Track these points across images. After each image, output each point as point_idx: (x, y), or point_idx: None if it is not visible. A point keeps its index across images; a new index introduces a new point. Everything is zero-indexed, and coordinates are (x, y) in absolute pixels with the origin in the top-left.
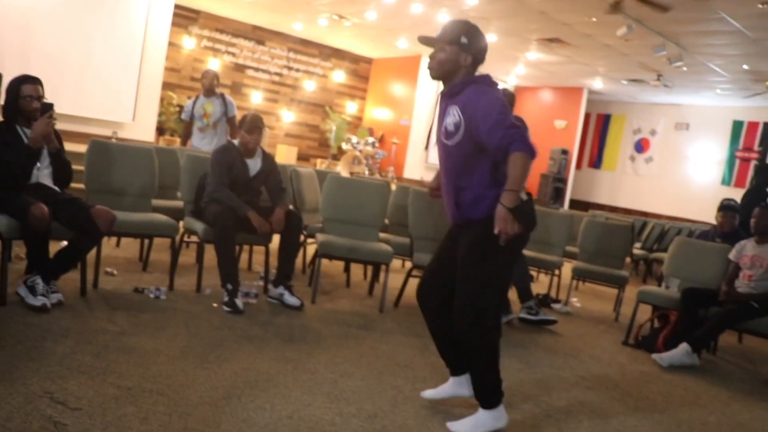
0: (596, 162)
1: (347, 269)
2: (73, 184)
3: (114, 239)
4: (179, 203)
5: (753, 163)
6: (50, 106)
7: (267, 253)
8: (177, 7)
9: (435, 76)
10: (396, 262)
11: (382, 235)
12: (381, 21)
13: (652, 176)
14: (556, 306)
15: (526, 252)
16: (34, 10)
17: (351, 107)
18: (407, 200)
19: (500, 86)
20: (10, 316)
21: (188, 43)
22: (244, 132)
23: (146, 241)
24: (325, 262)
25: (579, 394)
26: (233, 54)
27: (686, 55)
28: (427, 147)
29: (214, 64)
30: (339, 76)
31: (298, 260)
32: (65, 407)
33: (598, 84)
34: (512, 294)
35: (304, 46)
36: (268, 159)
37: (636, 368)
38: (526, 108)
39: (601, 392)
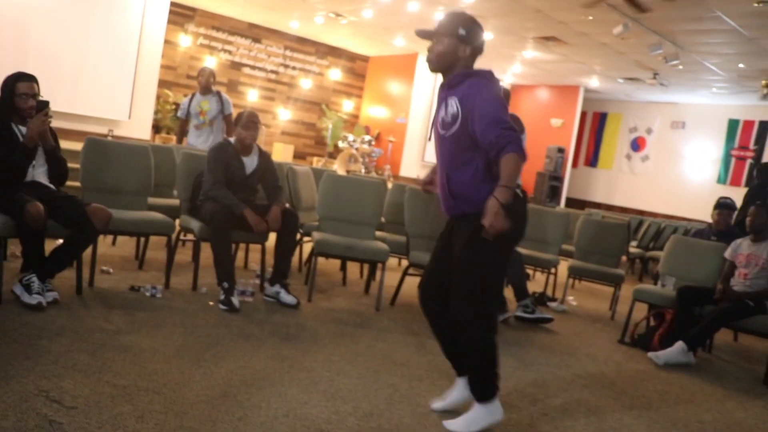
0: (592, 160)
1: (344, 267)
2: (69, 182)
3: (110, 237)
4: (175, 201)
5: (749, 162)
6: (46, 104)
7: (263, 252)
8: (173, 4)
9: (434, 68)
10: (392, 261)
11: (378, 233)
12: (377, 19)
13: (648, 175)
14: (552, 304)
15: (522, 250)
16: (31, 8)
17: (347, 105)
18: (403, 198)
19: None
20: (6, 314)
21: (184, 40)
22: (241, 128)
23: (142, 240)
24: (321, 260)
25: (575, 393)
26: (229, 52)
27: (682, 53)
28: (430, 138)
29: (211, 61)
30: (335, 74)
31: (295, 258)
32: (61, 406)
33: (594, 82)
34: (508, 292)
35: (301, 44)
36: (264, 157)
37: (632, 366)
38: (523, 106)
39: (597, 390)
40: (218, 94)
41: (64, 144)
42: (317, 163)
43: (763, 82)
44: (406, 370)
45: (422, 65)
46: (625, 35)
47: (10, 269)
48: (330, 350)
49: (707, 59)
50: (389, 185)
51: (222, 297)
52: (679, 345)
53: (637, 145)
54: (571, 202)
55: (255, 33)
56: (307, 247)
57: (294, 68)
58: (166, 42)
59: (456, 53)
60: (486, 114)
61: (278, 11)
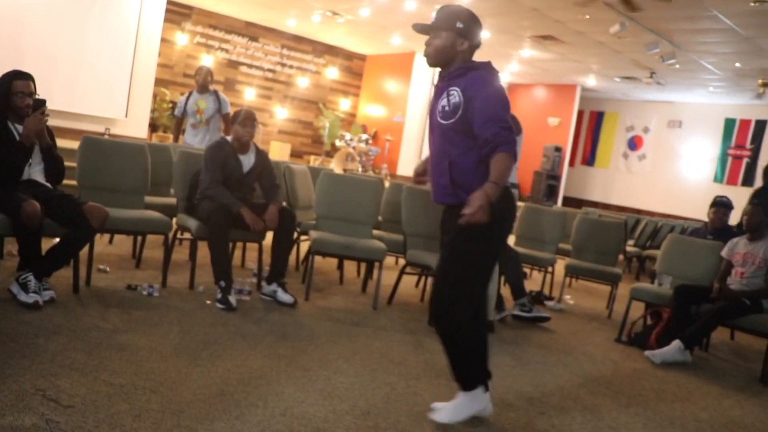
0: (589, 159)
1: (341, 266)
2: (66, 181)
3: (107, 236)
4: (172, 200)
5: (745, 161)
6: (42, 103)
7: (260, 250)
8: (170, 2)
9: (432, 63)
10: (389, 259)
11: (375, 232)
12: (374, 18)
13: (645, 173)
14: (549, 303)
15: (519, 249)
16: (27, 6)
17: (344, 104)
18: (400, 197)
19: None
20: (2, 313)
21: (181, 39)
22: (238, 125)
23: (139, 238)
24: (318, 259)
25: (572, 391)
26: (226, 50)
27: (679, 52)
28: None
29: (208, 60)
30: (332, 73)
31: (292, 257)
32: (58, 405)
33: (591, 81)
34: (505, 291)
35: (298, 42)
36: (261, 155)
37: (629, 365)
38: (520, 105)
39: (594, 389)
40: (215, 93)
41: (61, 142)
42: (314, 161)
43: (760, 81)
44: (404, 369)
45: (419, 64)
46: (621, 34)
47: (7, 268)
48: (327, 349)
49: (704, 58)
50: (386, 184)
51: (219, 296)
52: (676, 343)
53: (634, 144)
54: (568, 201)
55: (252, 31)
56: (304, 246)
57: (291, 67)
58: (163, 40)
59: (454, 47)
60: (486, 109)
61: (275, 10)
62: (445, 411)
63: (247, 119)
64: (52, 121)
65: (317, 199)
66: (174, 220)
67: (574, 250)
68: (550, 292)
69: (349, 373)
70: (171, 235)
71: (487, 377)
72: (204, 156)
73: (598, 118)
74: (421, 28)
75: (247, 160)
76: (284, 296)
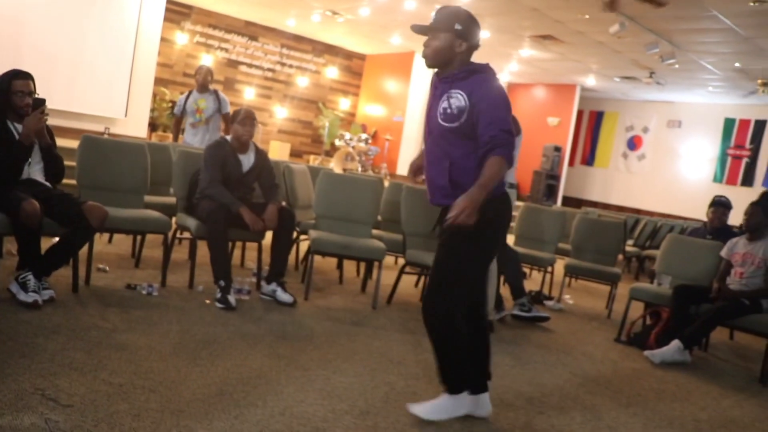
0: (589, 159)
1: (340, 266)
2: (65, 180)
3: (106, 235)
4: (172, 199)
5: (744, 161)
6: (42, 102)
7: (260, 250)
8: (169, 2)
9: (430, 64)
10: (389, 259)
11: (375, 231)
12: (374, 17)
13: (644, 173)
14: (549, 303)
15: (518, 249)
16: (27, 5)
17: (344, 103)
18: (400, 197)
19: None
20: (1, 312)
21: (181, 38)
22: (238, 124)
23: (138, 238)
24: (318, 258)
25: (571, 391)
26: (226, 50)
27: (678, 52)
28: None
29: (207, 59)
30: (332, 73)
31: (291, 257)
32: (57, 404)
33: (590, 81)
34: (505, 291)
35: (297, 42)
36: (260, 155)
37: (628, 365)
38: (519, 105)
39: (594, 389)
40: (215, 92)
41: (60, 142)
42: (314, 161)
43: (759, 81)
44: (403, 369)
45: (419, 64)
46: (621, 34)
47: (6, 267)
48: (326, 348)
49: (703, 58)
50: (386, 183)
51: (218, 295)
52: (675, 343)
53: (633, 143)
54: (568, 201)
55: (252, 31)
56: (304, 246)
57: (291, 66)
58: (163, 40)
59: (452, 48)
60: (490, 112)
61: (275, 9)
62: (424, 406)
63: (247, 118)
64: (51, 121)
65: (317, 198)
66: (173, 219)
67: (574, 249)
68: (549, 292)
69: (348, 373)
70: (170, 234)
71: (487, 378)
72: (203, 155)
73: (597, 118)
74: (419, 29)
75: (247, 160)
76: (284, 296)
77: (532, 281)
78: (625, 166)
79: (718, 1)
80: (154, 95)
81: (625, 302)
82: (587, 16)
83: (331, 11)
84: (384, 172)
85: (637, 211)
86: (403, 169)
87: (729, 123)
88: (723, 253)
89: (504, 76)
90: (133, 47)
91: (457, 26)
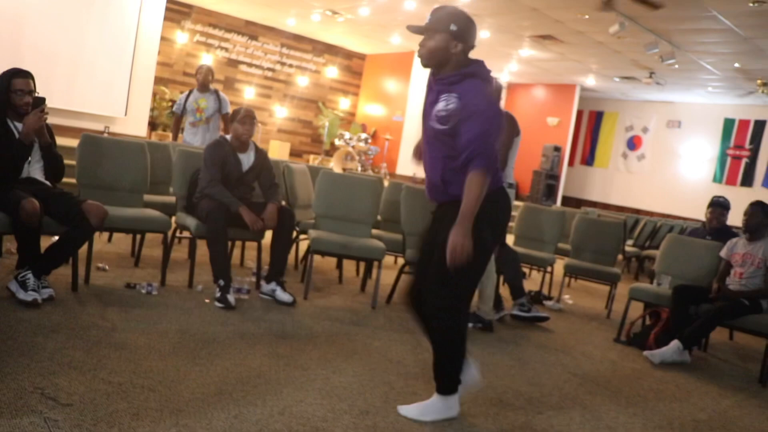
0: (588, 159)
1: (340, 265)
2: (65, 179)
3: (106, 234)
4: (171, 198)
5: (744, 161)
6: (42, 101)
7: (259, 249)
8: (170, 1)
9: (426, 64)
10: (388, 259)
11: (374, 231)
12: (374, 17)
13: (644, 173)
14: (548, 303)
15: (518, 249)
16: (27, 4)
17: (344, 103)
18: (400, 196)
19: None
20: (1, 311)
21: (181, 37)
22: (237, 123)
23: (138, 237)
24: (317, 258)
25: (571, 391)
26: (226, 49)
27: (678, 52)
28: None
29: (207, 59)
30: (332, 72)
31: (291, 256)
32: (56, 403)
33: (590, 81)
34: (504, 291)
35: (297, 41)
36: (260, 154)
37: (627, 365)
38: (519, 105)
39: (593, 389)
40: (216, 92)
41: (60, 141)
42: (314, 161)
43: (759, 81)
44: (402, 368)
45: (419, 63)
46: (621, 34)
47: (6, 266)
48: (326, 348)
49: (703, 58)
50: (386, 183)
51: (218, 294)
52: (675, 344)
53: (633, 143)
54: (568, 201)
55: (252, 30)
56: (304, 245)
57: (290, 66)
58: (163, 39)
59: (448, 49)
60: (471, 122)
61: (275, 9)
62: (414, 407)
63: (247, 118)
64: (51, 119)
65: (316, 198)
66: (173, 218)
67: (573, 249)
68: (549, 292)
69: (347, 373)
70: (170, 233)
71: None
72: (203, 155)
73: (597, 118)
74: (415, 30)
75: (247, 159)
76: (283, 295)
77: (532, 281)
78: (624, 166)
79: (717, 2)
80: (154, 94)
81: (624, 302)
82: (587, 16)
83: (331, 11)
84: (384, 171)
85: (637, 211)
86: (403, 168)
87: (728, 123)
88: (722, 253)
89: (504, 76)
90: (133, 46)
91: (453, 27)
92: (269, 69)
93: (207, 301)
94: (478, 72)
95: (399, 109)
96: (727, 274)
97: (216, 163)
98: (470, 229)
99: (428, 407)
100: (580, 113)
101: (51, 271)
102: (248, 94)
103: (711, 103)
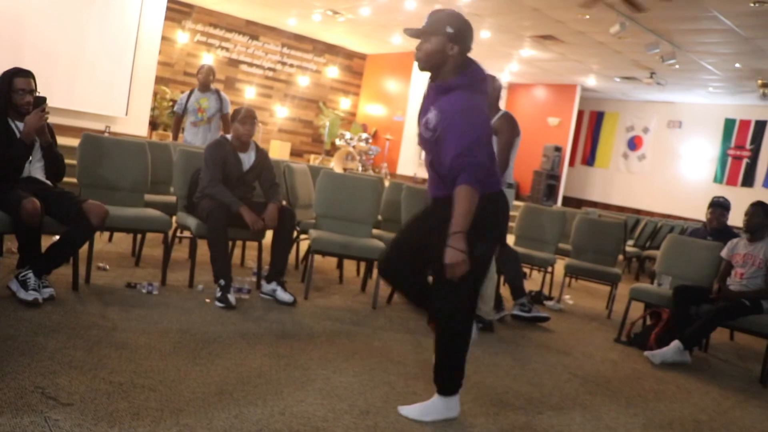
0: (589, 159)
1: (340, 265)
2: (66, 179)
3: (106, 234)
4: (172, 198)
5: (745, 161)
6: (43, 100)
7: (260, 249)
8: (170, 1)
9: (423, 67)
10: None
11: (375, 231)
12: (375, 17)
13: (644, 174)
14: (549, 303)
15: (519, 249)
16: (28, 4)
17: (345, 103)
18: (400, 196)
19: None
20: (1, 310)
21: (182, 37)
22: (238, 123)
23: (139, 236)
24: (318, 258)
25: (571, 391)
26: (227, 49)
27: (679, 53)
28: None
29: (208, 58)
30: (333, 72)
31: (291, 256)
32: (57, 402)
33: (591, 81)
34: (505, 291)
35: (298, 41)
36: (261, 154)
37: (628, 365)
38: (520, 105)
39: (594, 389)
40: (217, 92)
41: (61, 140)
42: (314, 160)
43: (759, 81)
44: (403, 368)
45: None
46: (622, 34)
47: (6, 265)
48: (326, 348)
49: (704, 59)
50: (386, 183)
51: (218, 294)
52: (675, 344)
53: (633, 144)
54: (568, 201)
55: (252, 30)
56: (304, 245)
57: (291, 66)
58: (164, 39)
59: (444, 51)
60: (453, 135)
61: (276, 8)
62: (415, 408)
63: (247, 118)
64: (52, 119)
65: (317, 198)
66: (174, 218)
67: (574, 250)
68: (549, 292)
69: (348, 373)
70: (171, 233)
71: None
72: (204, 154)
73: (598, 118)
74: (412, 33)
75: (247, 159)
76: (284, 295)
77: (533, 281)
78: (625, 166)
79: (718, 2)
80: (155, 94)
81: (625, 303)
82: (588, 17)
83: (332, 11)
84: (384, 171)
85: (638, 212)
86: (403, 168)
87: (729, 123)
88: (723, 253)
89: (504, 76)
90: (134, 46)
91: (449, 29)
92: (270, 69)
93: (207, 300)
94: (470, 82)
95: (400, 109)
96: (728, 274)
97: (217, 162)
98: (464, 242)
99: (429, 408)
100: (580, 113)
101: (52, 271)
102: (249, 94)
103: (712, 104)
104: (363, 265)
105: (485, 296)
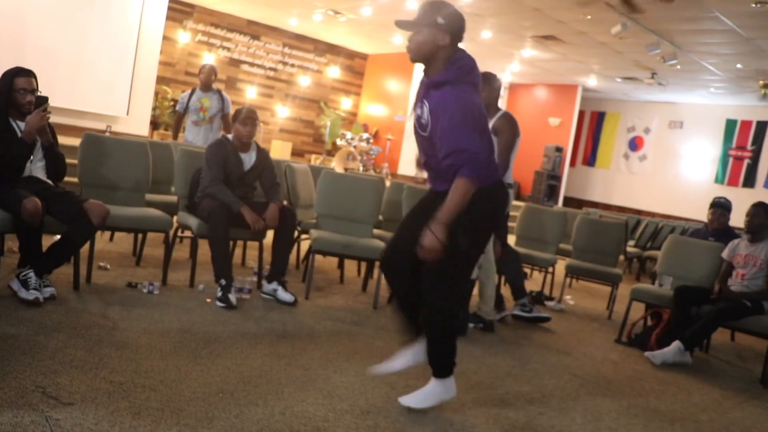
0: (590, 160)
1: (341, 265)
2: (67, 178)
3: (107, 233)
4: (173, 198)
5: (746, 162)
6: (45, 100)
7: (261, 249)
8: (172, 1)
9: (414, 58)
10: None
11: (376, 231)
12: (376, 17)
13: (645, 174)
14: (550, 303)
15: (519, 249)
16: (29, 3)
17: (346, 103)
18: (401, 196)
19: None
20: (2, 310)
21: (183, 37)
22: (239, 124)
23: (140, 236)
24: (319, 258)
25: (572, 392)
26: (228, 49)
27: (680, 53)
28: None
29: (209, 58)
30: (334, 72)
31: (292, 256)
32: (57, 402)
33: (592, 81)
34: (506, 291)
35: (299, 41)
36: (262, 154)
37: (629, 366)
38: (521, 105)
39: (594, 390)
40: (219, 92)
41: (62, 140)
42: (315, 160)
43: (761, 82)
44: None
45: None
46: (623, 35)
47: (7, 265)
48: (327, 348)
49: (705, 59)
50: (387, 183)
51: (219, 294)
52: (676, 345)
53: (634, 144)
54: (569, 201)
55: (254, 30)
56: (305, 245)
57: (292, 66)
58: (165, 38)
59: (435, 42)
60: (446, 132)
61: (277, 8)
62: (415, 396)
63: (248, 119)
64: (53, 119)
65: (318, 198)
66: (175, 218)
67: (575, 250)
68: (550, 293)
69: (349, 373)
70: (171, 233)
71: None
72: (205, 154)
73: (599, 119)
74: (403, 25)
75: (248, 159)
76: (284, 295)
77: (533, 282)
78: (626, 166)
79: (720, 2)
80: (156, 93)
81: (626, 303)
82: (589, 17)
83: (333, 11)
84: (385, 171)
85: (638, 212)
86: (404, 168)
87: (730, 124)
88: (724, 254)
89: (506, 77)
90: (135, 45)
91: (440, 20)
92: (271, 69)
93: (208, 300)
94: (458, 76)
95: (401, 109)
96: (729, 275)
97: (218, 162)
98: (444, 232)
99: (428, 393)
100: (581, 114)
101: (53, 270)
102: (250, 94)
103: (713, 104)
104: (364, 265)
105: (486, 296)
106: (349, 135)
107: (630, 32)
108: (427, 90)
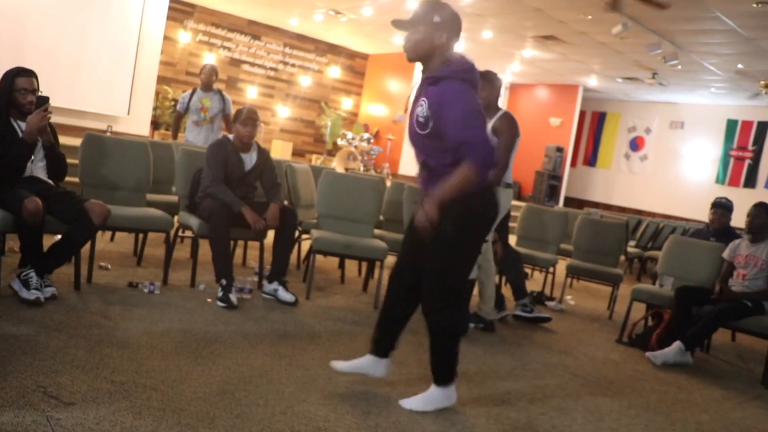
0: (591, 160)
1: (342, 265)
2: (68, 178)
3: (108, 233)
4: (174, 198)
5: (747, 162)
6: (45, 100)
7: (261, 249)
8: (173, 0)
9: (411, 57)
10: (390, 259)
11: (376, 231)
12: (377, 17)
13: (646, 174)
14: (551, 303)
15: (520, 249)
16: (29, 3)
17: (346, 103)
18: (402, 196)
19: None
20: (3, 309)
21: (184, 37)
22: (239, 125)
23: (141, 236)
24: (319, 258)
25: (573, 392)
26: (229, 49)
27: (681, 53)
28: (406, 111)
29: (210, 58)
30: (335, 72)
31: (293, 256)
32: (58, 401)
33: (593, 82)
34: (506, 291)
35: (300, 41)
36: (263, 154)
37: (630, 366)
38: (521, 105)
39: (595, 390)
40: (220, 92)
41: (63, 140)
42: (316, 160)
43: (762, 82)
44: (404, 369)
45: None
46: (624, 35)
47: (9, 264)
48: (328, 348)
49: (706, 59)
50: (388, 183)
51: (220, 294)
52: (677, 345)
53: (635, 144)
54: (570, 202)
55: (254, 30)
56: (306, 245)
57: (293, 65)
58: (166, 38)
59: (432, 41)
60: (451, 119)
61: (278, 8)
62: (416, 400)
63: (248, 119)
64: (54, 118)
65: (319, 198)
66: (175, 218)
67: (576, 250)
68: (551, 293)
69: (349, 373)
70: (172, 233)
71: (392, 348)
72: (206, 154)
73: (599, 119)
74: (400, 24)
75: (249, 159)
76: (285, 295)
77: (534, 282)
78: (627, 166)
79: (720, 2)
80: (157, 93)
81: (626, 303)
82: (590, 17)
83: (334, 11)
84: (386, 171)
85: (639, 212)
86: (405, 168)
87: (731, 124)
88: (725, 254)
89: (506, 77)
90: (136, 45)
91: (436, 18)
92: (272, 69)
93: (209, 300)
94: (456, 72)
95: (401, 109)
96: (730, 275)
97: (219, 162)
98: (436, 210)
99: (428, 398)
100: (582, 114)
101: (53, 270)
102: (251, 94)
103: (714, 104)
104: (365, 265)
105: (486, 296)
106: (349, 135)
107: (631, 32)
108: (424, 88)
